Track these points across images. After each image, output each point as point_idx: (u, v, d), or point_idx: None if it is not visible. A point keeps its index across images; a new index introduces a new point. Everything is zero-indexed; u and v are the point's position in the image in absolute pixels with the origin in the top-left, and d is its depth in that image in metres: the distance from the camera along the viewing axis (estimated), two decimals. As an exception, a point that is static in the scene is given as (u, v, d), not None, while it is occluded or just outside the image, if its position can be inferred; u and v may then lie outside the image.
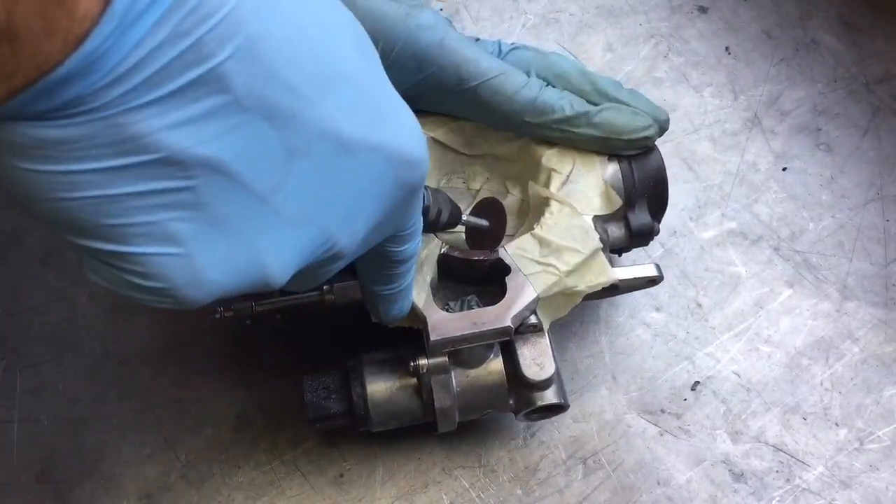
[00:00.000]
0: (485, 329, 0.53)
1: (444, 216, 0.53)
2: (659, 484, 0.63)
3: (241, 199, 0.35)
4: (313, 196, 0.38)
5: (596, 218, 0.58)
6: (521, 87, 0.56)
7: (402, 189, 0.42)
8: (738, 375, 0.67)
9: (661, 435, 0.65)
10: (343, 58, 0.37)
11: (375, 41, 0.52)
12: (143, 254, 0.34)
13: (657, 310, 0.69)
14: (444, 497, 0.62)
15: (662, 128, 0.59)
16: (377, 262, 0.49)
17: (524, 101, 0.56)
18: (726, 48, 0.80)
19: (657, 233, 0.61)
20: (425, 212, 0.51)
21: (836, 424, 0.65)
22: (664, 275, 0.70)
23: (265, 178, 0.36)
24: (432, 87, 0.56)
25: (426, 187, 0.52)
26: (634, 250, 0.66)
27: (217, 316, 0.59)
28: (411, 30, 0.54)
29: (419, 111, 0.61)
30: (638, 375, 0.67)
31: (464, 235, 0.59)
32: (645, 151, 0.60)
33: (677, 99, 0.77)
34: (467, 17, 0.80)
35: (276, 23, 0.34)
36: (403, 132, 0.41)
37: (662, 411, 0.65)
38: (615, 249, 0.61)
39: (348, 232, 0.41)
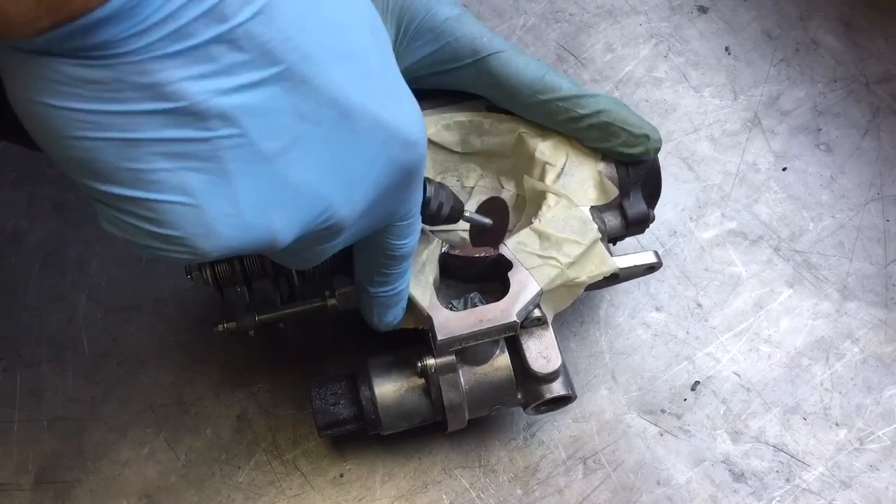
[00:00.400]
0: (491, 325, 0.54)
1: (446, 210, 0.53)
2: (659, 484, 0.63)
3: (250, 158, 0.37)
4: (317, 162, 0.40)
5: (592, 208, 0.58)
6: (530, 63, 0.57)
7: (401, 169, 0.43)
8: (738, 375, 0.67)
9: (661, 435, 0.65)
10: (355, 36, 0.40)
11: (401, 15, 0.55)
12: (158, 200, 0.36)
13: (657, 310, 0.69)
14: (444, 497, 0.62)
15: (658, 145, 0.59)
16: (376, 257, 0.50)
17: (533, 76, 0.57)
18: (726, 48, 0.80)
19: (653, 220, 0.61)
20: (426, 203, 0.52)
21: (836, 424, 0.65)
22: (664, 275, 0.70)
23: (274, 139, 0.38)
24: (448, 58, 0.57)
25: (429, 180, 0.53)
26: (628, 239, 0.66)
27: (220, 329, 0.59)
28: (432, 5, 0.56)
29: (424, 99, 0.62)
30: (638, 375, 0.67)
31: (462, 233, 0.59)
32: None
33: (677, 99, 0.77)
34: (467, 17, 0.81)
35: None
36: (405, 113, 0.43)
37: (662, 411, 0.65)
38: (612, 238, 0.61)
39: (347, 202, 0.42)
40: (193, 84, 0.34)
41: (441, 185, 0.54)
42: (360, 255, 0.52)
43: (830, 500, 0.62)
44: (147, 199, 0.36)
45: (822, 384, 0.67)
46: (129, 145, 0.35)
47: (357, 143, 0.41)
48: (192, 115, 0.35)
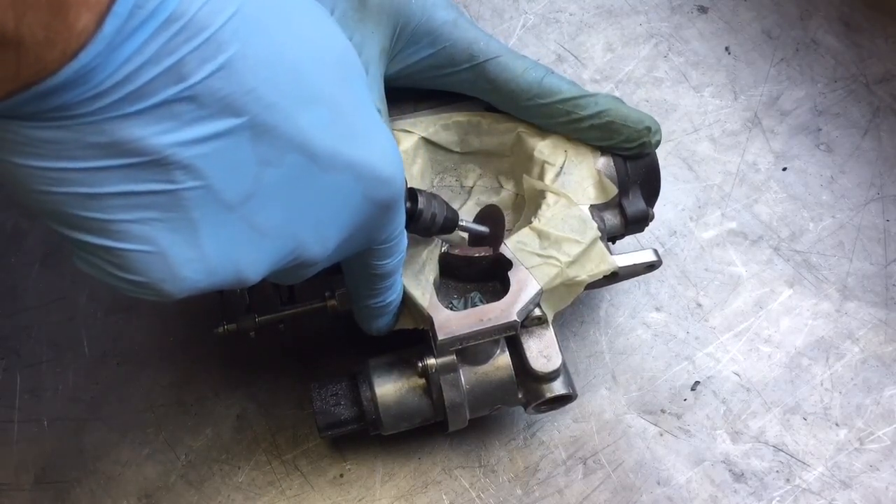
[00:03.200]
0: (491, 325, 0.54)
1: (439, 221, 0.53)
2: (659, 484, 0.63)
3: (214, 206, 0.38)
4: (284, 206, 0.40)
5: (592, 207, 0.58)
6: (528, 67, 0.57)
7: (374, 205, 0.44)
8: (739, 375, 0.67)
9: (661, 435, 0.65)
10: (322, 80, 0.40)
11: (396, 18, 0.55)
12: (123, 249, 0.37)
13: (657, 310, 0.69)
14: (444, 497, 0.62)
15: (659, 136, 0.59)
16: (362, 276, 0.51)
17: (531, 79, 0.57)
18: (726, 48, 0.80)
19: (652, 218, 0.61)
20: (418, 216, 0.52)
21: (836, 424, 0.65)
22: (664, 274, 0.70)
23: (238, 187, 0.38)
24: (444, 62, 0.57)
25: (420, 191, 0.53)
26: (627, 239, 0.66)
27: (220, 330, 0.59)
28: (427, 8, 0.56)
29: (417, 107, 0.61)
30: (638, 375, 0.67)
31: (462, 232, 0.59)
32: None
33: (677, 99, 0.77)
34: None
35: (257, 44, 0.36)
36: (376, 151, 0.43)
37: (662, 411, 0.65)
38: (611, 237, 0.62)
39: (318, 241, 0.43)
40: (154, 139, 0.35)
41: (433, 196, 0.53)
42: (347, 271, 0.53)
43: (830, 500, 0.62)
44: (112, 248, 0.37)
45: (822, 384, 0.67)
46: (93, 198, 0.35)
47: (326, 184, 0.41)
48: (154, 169, 0.35)
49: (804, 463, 0.64)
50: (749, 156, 0.75)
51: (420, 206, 0.52)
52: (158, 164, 0.35)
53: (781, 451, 0.64)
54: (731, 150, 0.75)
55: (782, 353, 0.67)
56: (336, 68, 0.41)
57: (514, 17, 0.81)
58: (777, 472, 0.63)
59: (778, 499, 0.63)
